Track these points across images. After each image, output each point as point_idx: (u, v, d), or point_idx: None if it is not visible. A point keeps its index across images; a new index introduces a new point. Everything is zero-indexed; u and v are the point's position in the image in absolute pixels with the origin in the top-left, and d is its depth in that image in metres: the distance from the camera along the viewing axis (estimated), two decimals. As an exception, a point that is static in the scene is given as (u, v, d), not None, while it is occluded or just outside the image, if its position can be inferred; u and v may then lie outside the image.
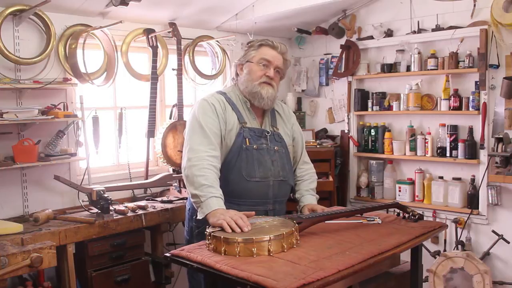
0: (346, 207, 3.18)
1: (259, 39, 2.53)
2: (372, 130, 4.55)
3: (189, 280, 2.53)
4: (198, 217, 2.24)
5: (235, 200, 2.37)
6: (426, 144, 4.19)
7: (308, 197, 2.60)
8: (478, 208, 3.94)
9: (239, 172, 2.35)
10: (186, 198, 2.72)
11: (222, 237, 1.92)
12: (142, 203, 3.57)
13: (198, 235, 2.36)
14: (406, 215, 2.45)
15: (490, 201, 3.83)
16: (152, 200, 3.76)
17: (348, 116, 4.73)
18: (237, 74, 2.55)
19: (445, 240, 4.08)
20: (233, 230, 2.00)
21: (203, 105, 2.41)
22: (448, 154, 4.06)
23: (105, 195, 3.20)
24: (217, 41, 4.36)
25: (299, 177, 2.67)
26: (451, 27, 3.99)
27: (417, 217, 2.41)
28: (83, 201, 3.32)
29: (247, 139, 2.39)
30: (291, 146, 2.61)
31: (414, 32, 4.22)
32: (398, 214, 2.51)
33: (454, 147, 4.02)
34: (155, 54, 3.88)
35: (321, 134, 4.88)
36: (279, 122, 2.58)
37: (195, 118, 2.39)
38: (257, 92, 2.42)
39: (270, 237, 1.89)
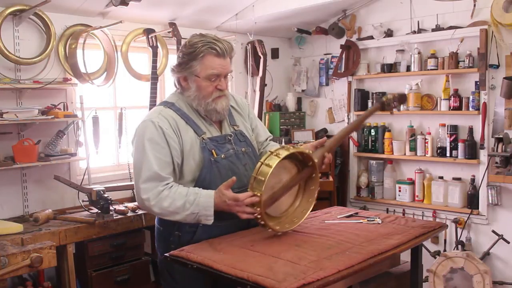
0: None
1: (198, 42, 2.12)
2: (372, 130, 4.55)
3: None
4: (207, 223, 2.09)
5: (217, 217, 2.16)
6: (426, 144, 4.19)
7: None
8: (478, 208, 3.94)
9: (217, 187, 2.11)
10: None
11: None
12: (142, 203, 3.56)
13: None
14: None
15: (490, 201, 3.83)
16: (152, 200, 3.75)
17: (348, 116, 4.73)
18: (180, 85, 2.23)
19: (445, 240, 4.08)
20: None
21: (150, 130, 2.11)
22: (448, 154, 4.06)
23: (105, 195, 3.20)
24: (217, 41, 4.35)
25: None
26: (451, 27, 3.99)
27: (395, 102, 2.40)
28: (83, 201, 3.32)
29: (212, 150, 2.16)
30: (254, 140, 2.41)
31: (414, 32, 4.22)
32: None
33: (454, 147, 4.02)
34: (155, 54, 3.88)
35: (321, 134, 4.87)
36: (237, 118, 2.36)
37: (141, 146, 2.11)
38: (212, 109, 2.18)
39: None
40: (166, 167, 2.10)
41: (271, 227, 2.04)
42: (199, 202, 2.06)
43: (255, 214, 2.00)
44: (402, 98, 2.49)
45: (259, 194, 1.97)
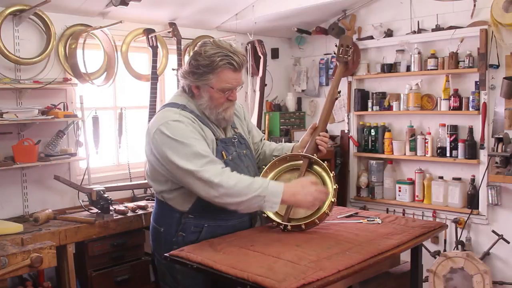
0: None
1: (215, 54, 2.07)
2: (372, 130, 4.55)
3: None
4: (272, 211, 2.10)
5: (223, 216, 2.19)
6: (426, 144, 4.19)
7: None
8: (478, 208, 3.94)
9: None
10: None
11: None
12: (142, 203, 3.57)
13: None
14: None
15: (490, 201, 3.82)
16: (152, 200, 3.76)
17: (348, 116, 4.73)
18: (191, 91, 2.20)
19: (445, 240, 4.08)
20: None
21: (181, 128, 2.05)
22: (448, 154, 4.06)
23: (105, 195, 3.20)
24: (217, 41, 4.36)
25: (277, 149, 2.50)
26: (451, 27, 3.99)
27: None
28: (83, 201, 3.33)
29: (222, 152, 2.19)
30: (251, 142, 2.46)
31: (414, 32, 4.22)
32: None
33: (454, 147, 4.02)
34: (155, 54, 3.88)
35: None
36: (236, 122, 2.39)
37: (180, 143, 2.02)
38: (221, 118, 2.21)
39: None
40: (209, 150, 2.09)
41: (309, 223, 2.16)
42: (268, 186, 2.02)
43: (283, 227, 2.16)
44: (346, 40, 2.51)
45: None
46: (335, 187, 2.21)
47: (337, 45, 2.53)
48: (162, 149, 2.06)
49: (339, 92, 2.52)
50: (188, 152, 2.01)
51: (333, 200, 2.18)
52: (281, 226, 2.18)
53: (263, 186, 2.01)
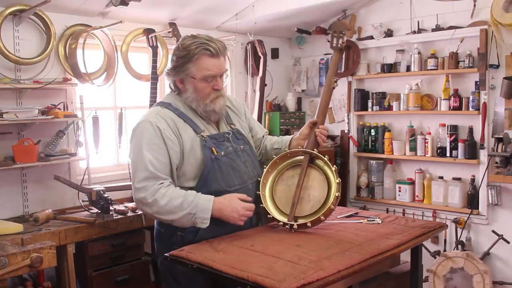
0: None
1: (191, 44, 2.13)
2: (372, 130, 4.55)
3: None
4: (203, 226, 2.09)
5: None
6: (426, 144, 4.19)
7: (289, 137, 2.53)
8: (478, 208, 3.94)
9: (219, 185, 2.17)
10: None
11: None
12: (142, 203, 3.56)
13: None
14: None
15: (490, 201, 3.82)
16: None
17: (348, 116, 4.73)
18: (177, 87, 2.26)
19: (445, 240, 4.08)
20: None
21: (148, 131, 2.12)
22: (448, 154, 4.06)
23: (105, 195, 3.20)
24: (217, 41, 4.36)
25: (277, 141, 2.51)
26: (451, 27, 3.99)
27: None
28: (83, 201, 3.32)
29: (212, 148, 2.18)
30: (251, 139, 2.46)
31: (414, 32, 4.22)
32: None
33: (454, 147, 4.02)
34: (155, 54, 3.88)
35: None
36: (233, 118, 2.40)
37: (138, 146, 2.11)
38: (210, 110, 2.21)
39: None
40: (163, 167, 2.11)
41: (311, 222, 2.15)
42: (197, 203, 2.07)
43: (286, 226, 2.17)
44: (338, 26, 2.49)
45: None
46: (338, 181, 2.18)
47: (330, 32, 2.49)
48: (130, 142, 2.20)
49: (336, 81, 2.46)
50: (138, 159, 2.10)
51: (337, 194, 2.16)
52: (287, 226, 2.17)
53: (193, 204, 2.06)
